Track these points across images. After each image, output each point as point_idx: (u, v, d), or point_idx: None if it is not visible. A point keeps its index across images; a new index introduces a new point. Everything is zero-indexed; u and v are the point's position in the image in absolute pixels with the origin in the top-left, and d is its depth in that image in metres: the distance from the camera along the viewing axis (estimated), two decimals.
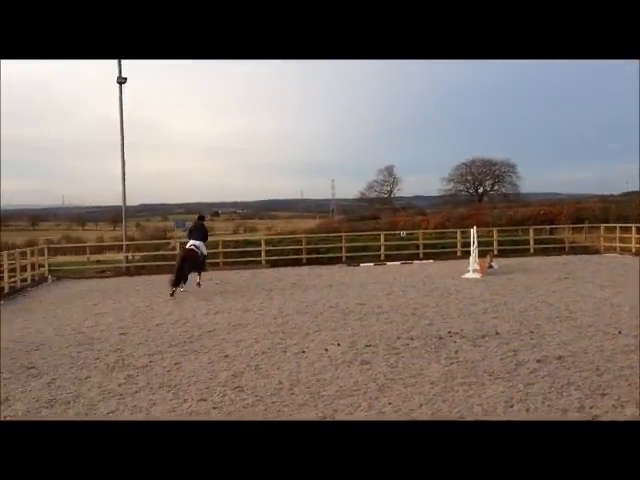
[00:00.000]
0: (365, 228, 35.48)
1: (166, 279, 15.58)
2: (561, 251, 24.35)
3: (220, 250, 22.37)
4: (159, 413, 5.89)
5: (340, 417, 5.61)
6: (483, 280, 16.10)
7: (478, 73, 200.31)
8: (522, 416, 5.52)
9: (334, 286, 15.83)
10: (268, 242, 24.36)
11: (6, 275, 16.68)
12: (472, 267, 17.12)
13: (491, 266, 18.12)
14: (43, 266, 20.53)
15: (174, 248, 23.58)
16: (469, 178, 61.95)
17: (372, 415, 5.64)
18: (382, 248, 23.56)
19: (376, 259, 22.88)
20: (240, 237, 44.76)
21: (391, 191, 67.66)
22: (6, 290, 16.37)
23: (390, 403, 5.93)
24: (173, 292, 14.55)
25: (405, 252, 23.41)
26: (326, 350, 8.25)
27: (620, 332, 8.86)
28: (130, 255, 23.51)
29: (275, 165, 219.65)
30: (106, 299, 14.65)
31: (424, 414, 5.62)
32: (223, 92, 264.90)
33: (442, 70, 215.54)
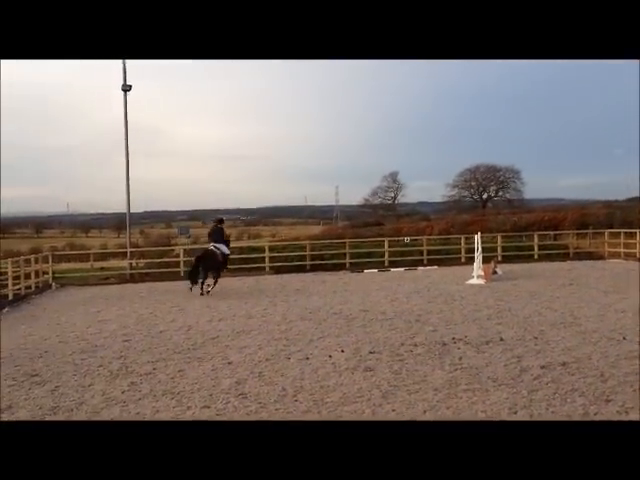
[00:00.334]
0: (369, 234, 35.48)
1: (170, 286, 15.64)
2: (565, 257, 24.29)
3: None
4: None
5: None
6: (487, 286, 16.06)
7: (478, 73, 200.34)
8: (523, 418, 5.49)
9: (338, 292, 15.81)
10: (272, 249, 24.37)
11: (10, 282, 16.72)
12: (476, 273, 17.10)
13: (495, 272, 18.08)
14: (47, 273, 20.58)
15: (178, 255, 23.64)
16: (473, 184, 61.98)
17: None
18: (386, 254, 23.54)
19: (380, 265, 22.86)
20: (244, 244, 44.83)
21: (395, 197, 67.78)
22: (10, 297, 16.41)
23: (394, 410, 5.91)
24: (202, 291, 15.68)
25: (409, 258, 23.38)
26: (330, 357, 8.23)
27: (624, 338, 8.82)
28: (134, 262, 23.56)
29: (276, 171, 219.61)
30: (110, 306, 14.66)
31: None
32: (224, 97, 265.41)
33: (442, 70, 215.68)
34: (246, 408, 6.12)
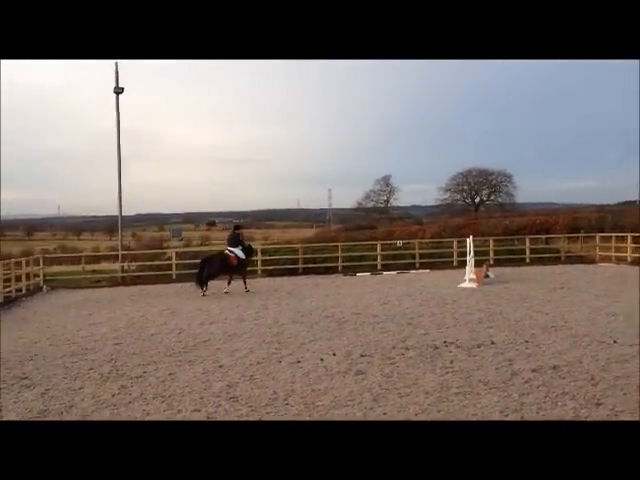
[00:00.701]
0: (362, 238, 35.43)
1: (161, 289, 15.62)
2: (557, 260, 24.39)
3: None
4: None
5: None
6: (479, 289, 16.09)
7: (474, 76, 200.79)
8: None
9: (330, 295, 15.80)
10: (264, 252, 24.30)
11: (1, 285, 16.60)
12: (468, 276, 17.14)
13: (487, 275, 18.13)
14: (38, 276, 20.46)
15: (170, 258, 23.56)
16: (465, 188, 62.05)
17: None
18: (379, 258, 23.57)
19: (373, 269, 22.88)
20: None
21: (388, 201, 67.81)
22: (1, 300, 16.30)
23: (385, 413, 5.91)
24: (203, 292, 16.44)
25: (402, 262, 23.41)
26: (321, 360, 8.22)
27: (615, 341, 8.86)
28: (126, 265, 23.47)
29: (269, 174, 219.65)
30: (101, 309, 14.59)
31: None
32: (215, 100, 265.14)
33: (442, 70, 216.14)
34: (237, 411, 6.10)
